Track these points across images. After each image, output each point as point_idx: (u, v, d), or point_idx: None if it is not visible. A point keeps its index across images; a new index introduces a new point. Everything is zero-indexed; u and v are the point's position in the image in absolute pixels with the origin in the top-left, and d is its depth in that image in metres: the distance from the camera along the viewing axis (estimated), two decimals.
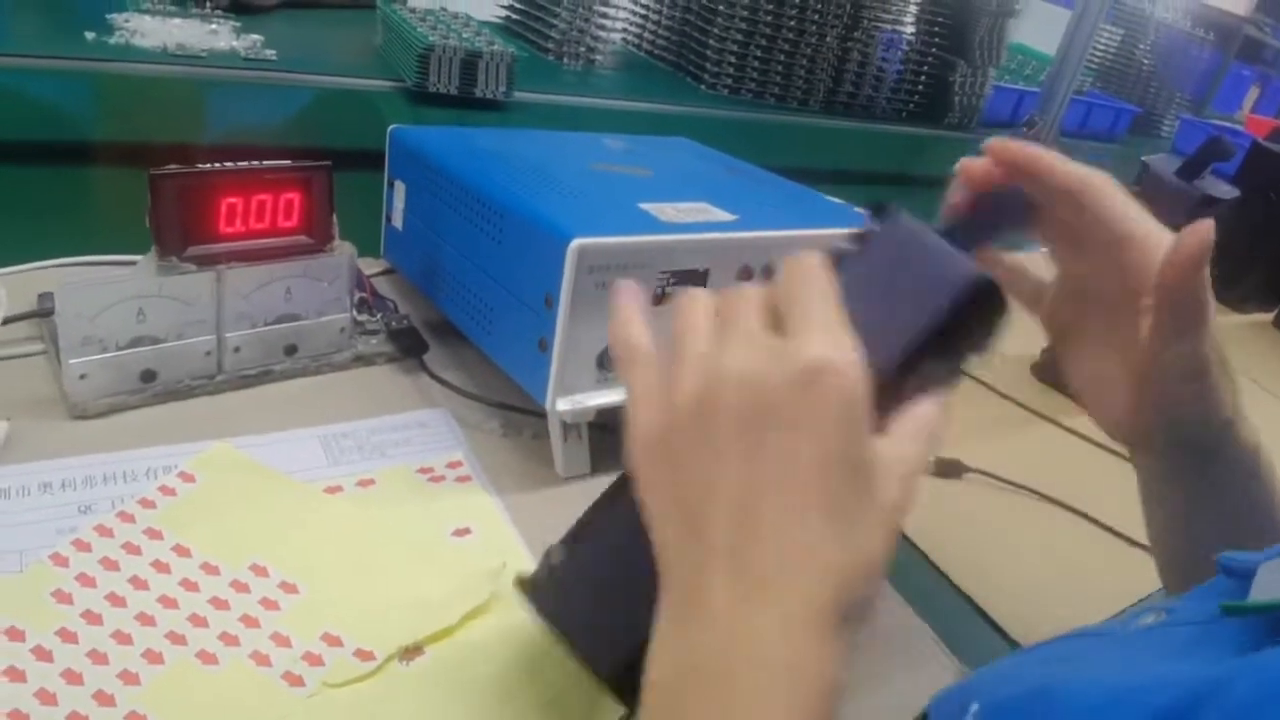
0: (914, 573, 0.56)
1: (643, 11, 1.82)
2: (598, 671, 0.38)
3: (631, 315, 0.36)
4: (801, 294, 0.32)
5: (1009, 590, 0.56)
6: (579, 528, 0.41)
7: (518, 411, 0.58)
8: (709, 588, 0.29)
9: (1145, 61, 2.48)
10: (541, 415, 0.53)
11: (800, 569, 0.29)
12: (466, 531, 0.50)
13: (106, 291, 0.50)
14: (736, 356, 0.31)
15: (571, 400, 0.52)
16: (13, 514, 0.45)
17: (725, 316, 0.32)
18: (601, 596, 0.39)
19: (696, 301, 0.34)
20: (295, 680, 0.39)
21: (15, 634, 0.39)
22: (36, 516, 0.45)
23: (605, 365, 0.52)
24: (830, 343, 0.30)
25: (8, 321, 0.55)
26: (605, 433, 0.56)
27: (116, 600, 0.41)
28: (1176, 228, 0.40)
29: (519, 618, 0.44)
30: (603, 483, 0.55)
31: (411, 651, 0.41)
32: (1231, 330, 1.15)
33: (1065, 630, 0.41)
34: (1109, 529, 0.64)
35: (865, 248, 0.38)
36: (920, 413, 0.33)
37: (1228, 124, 2.64)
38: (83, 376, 0.51)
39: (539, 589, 0.40)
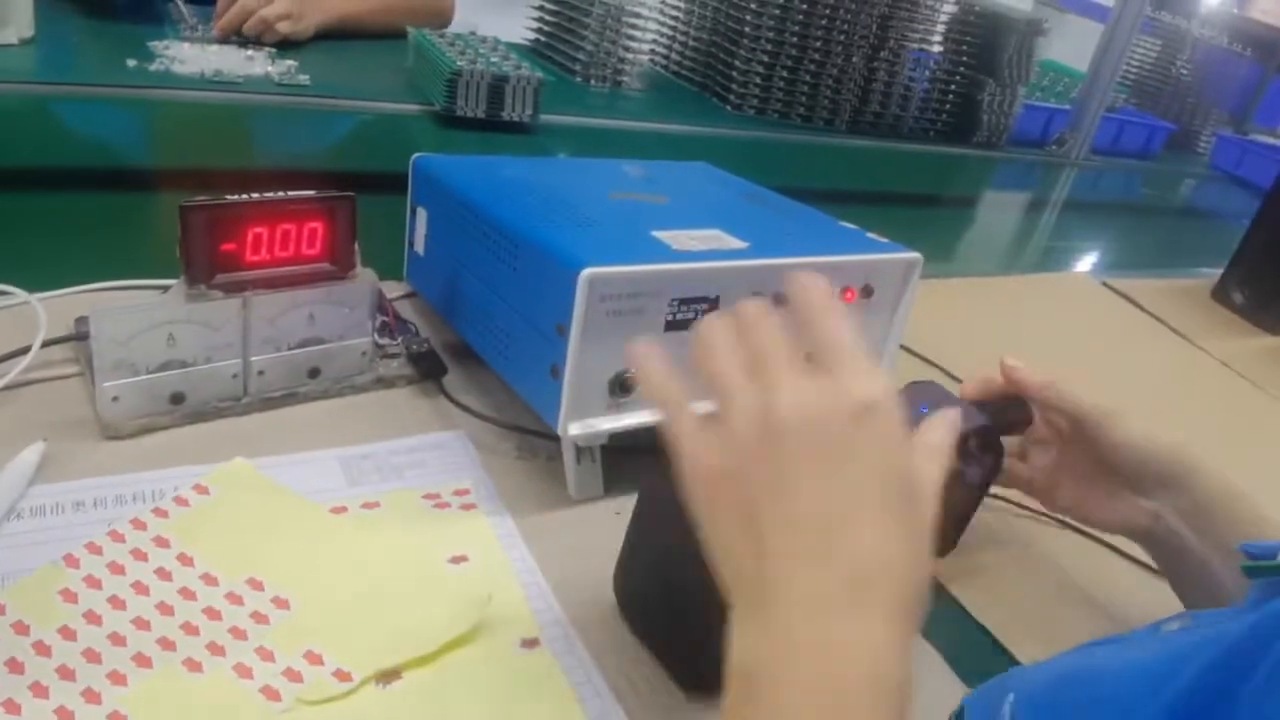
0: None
1: (669, 32, 1.84)
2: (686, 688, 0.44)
3: (653, 366, 0.38)
4: (827, 331, 0.35)
5: (1022, 615, 0.56)
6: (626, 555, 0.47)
7: (533, 434, 0.60)
8: (796, 603, 0.32)
9: (1182, 76, 2.45)
10: (556, 438, 0.55)
11: (885, 579, 0.32)
12: (464, 559, 0.50)
13: (138, 317, 0.52)
14: (788, 399, 0.33)
15: (583, 424, 0.53)
16: (47, 530, 0.47)
17: (757, 354, 0.35)
18: (666, 614, 0.45)
19: (717, 336, 0.36)
20: (273, 695, 0.40)
21: (21, 628, 0.41)
22: (68, 534, 0.47)
23: (617, 391, 0.53)
24: (873, 381, 0.33)
25: (46, 345, 0.58)
26: (618, 455, 0.57)
27: (117, 603, 0.43)
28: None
29: (502, 647, 0.45)
30: (615, 504, 0.57)
31: (389, 675, 0.42)
32: (1265, 352, 1.14)
33: (1063, 641, 0.42)
34: (1127, 555, 0.63)
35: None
36: (936, 429, 0.37)
37: (1268, 139, 2.60)
38: (115, 399, 0.53)
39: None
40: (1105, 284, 1.24)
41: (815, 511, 0.32)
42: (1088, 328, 1.12)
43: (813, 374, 0.34)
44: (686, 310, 0.54)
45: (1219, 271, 1.28)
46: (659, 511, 0.45)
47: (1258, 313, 1.20)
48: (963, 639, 0.54)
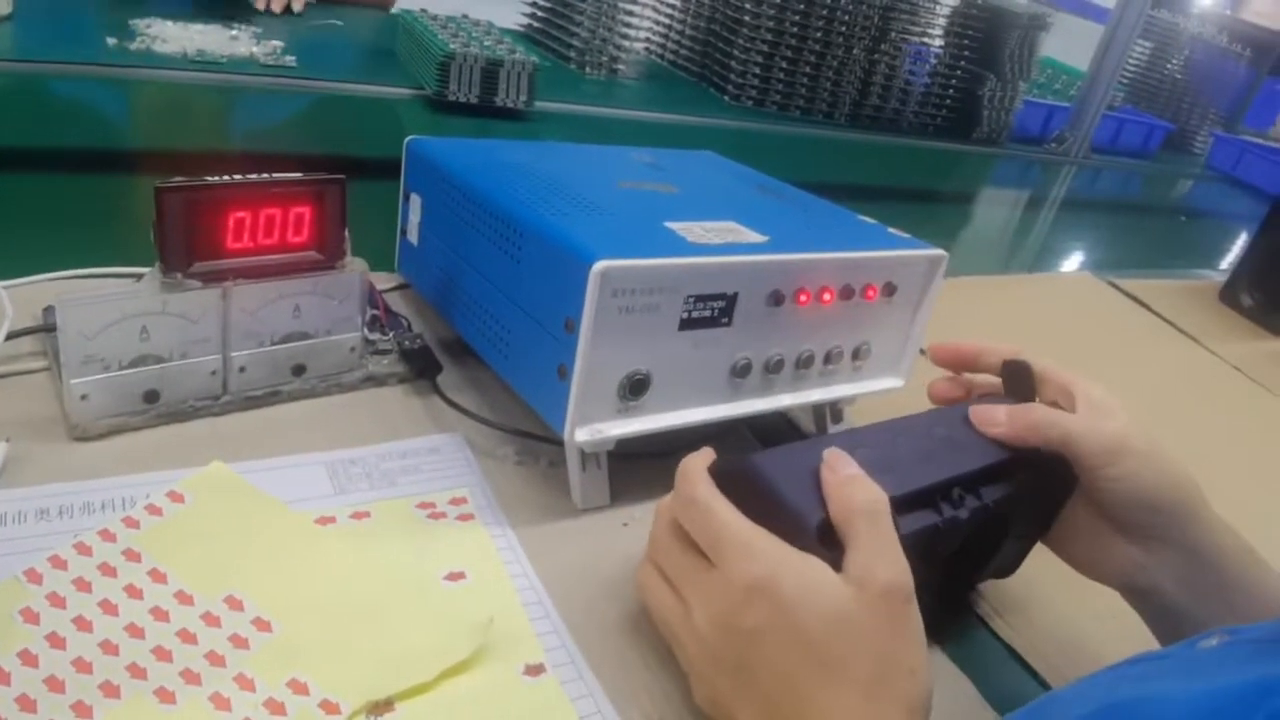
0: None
1: (666, 21, 1.80)
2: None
3: (658, 591, 0.42)
4: (699, 527, 0.40)
5: (1053, 638, 0.53)
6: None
7: (533, 438, 0.56)
8: None
9: (1178, 77, 2.43)
10: (559, 442, 0.51)
11: None
12: (461, 576, 0.46)
13: (108, 309, 0.48)
14: (699, 613, 0.39)
15: (591, 430, 0.49)
16: (8, 542, 0.43)
17: (671, 576, 0.41)
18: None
19: (649, 582, 0.42)
20: None
21: None
22: (32, 545, 0.42)
23: (626, 394, 0.50)
24: (749, 561, 0.37)
25: (11, 337, 0.53)
26: (624, 461, 0.53)
27: (83, 625, 0.39)
28: None
29: (504, 675, 0.41)
30: (622, 514, 0.54)
31: (381, 707, 0.38)
32: (1275, 355, 1.11)
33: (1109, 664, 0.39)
34: None
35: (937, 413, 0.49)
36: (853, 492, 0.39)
37: (1260, 140, 2.59)
38: (84, 397, 0.49)
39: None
40: (1112, 284, 1.21)
41: (757, 701, 0.37)
42: (1097, 329, 1.09)
43: (710, 569, 0.39)
44: (703, 307, 0.50)
45: (1223, 272, 1.26)
46: None
47: (1267, 315, 1.18)
48: (991, 662, 0.51)
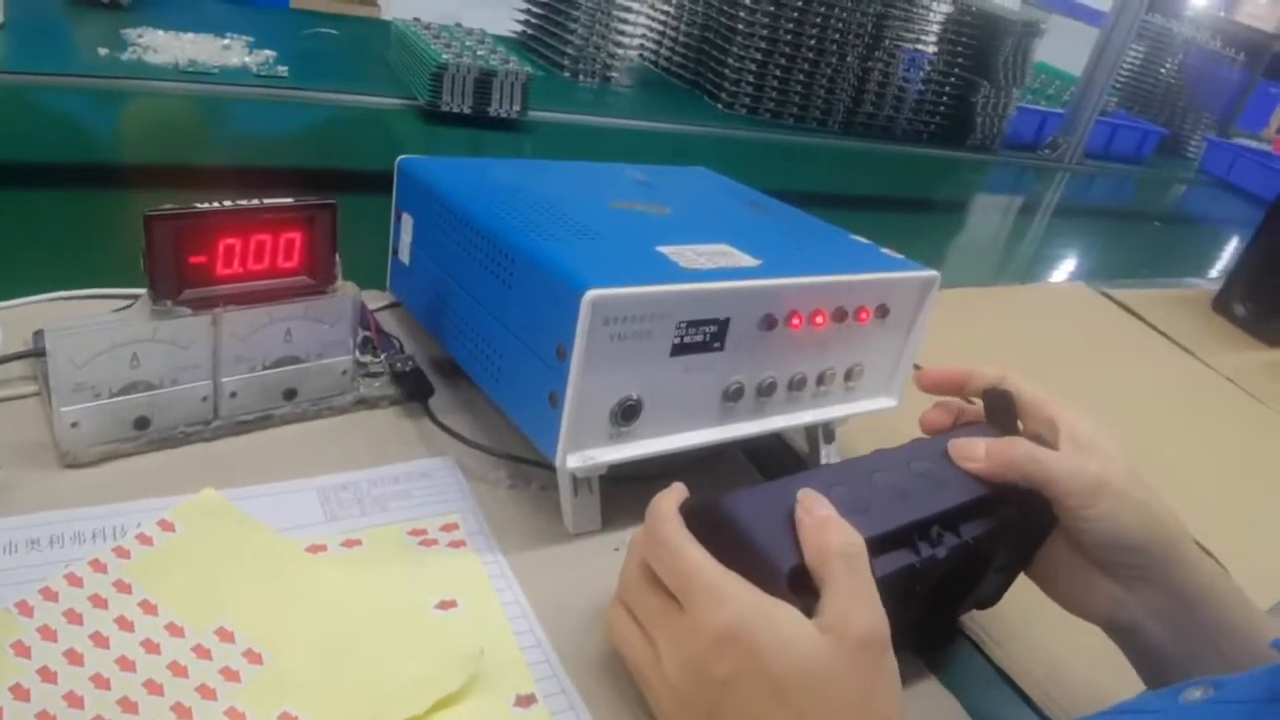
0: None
1: (660, 28, 1.80)
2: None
3: (627, 634, 0.42)
4: (671, 569, 0.39)
5: (1040, 659, 0.53)
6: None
7: (525, 463, 0.56)
8: None
9: (1171, 81, 2.44)
10: (551, 466, 0.51)
11: None
12: (452, 604, 0.46)
13: (98, 337, 0.48)
14: (669, 658, 0.38)
15: (583, 456, 0.49)
16: None
17: (642, 621, 0.41)
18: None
19: (618, 623, 0.42)
20: None
21: None
22: (23, 576, 0.42)
23: (618, 420, 0.50)
24: (720, 608, 0.37)
25: (0, 362, 0.53)
26: (616, 485, 0.53)
27: (75, 658, 0.39)
28: None
29: (495, 706, 0.41)
30: (613, 539, 0.54)
31: None
32: (1268, 366, 1.11)
33: (1102, 704, 0.39)
34: None
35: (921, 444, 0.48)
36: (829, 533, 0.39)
37: (1254, 143, 2.60)
38: (74, 425, 0.49)
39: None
40: (1105, 294, 1.21)
41: None
42: (1090, 340, 1.09)
43: (679, 613, 0.38)
44: (695, 333, 0.50)
45: (1216, 280, 1.26)
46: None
47: (1260, 325, 1.18)
48: (983, 686, 0.51)
